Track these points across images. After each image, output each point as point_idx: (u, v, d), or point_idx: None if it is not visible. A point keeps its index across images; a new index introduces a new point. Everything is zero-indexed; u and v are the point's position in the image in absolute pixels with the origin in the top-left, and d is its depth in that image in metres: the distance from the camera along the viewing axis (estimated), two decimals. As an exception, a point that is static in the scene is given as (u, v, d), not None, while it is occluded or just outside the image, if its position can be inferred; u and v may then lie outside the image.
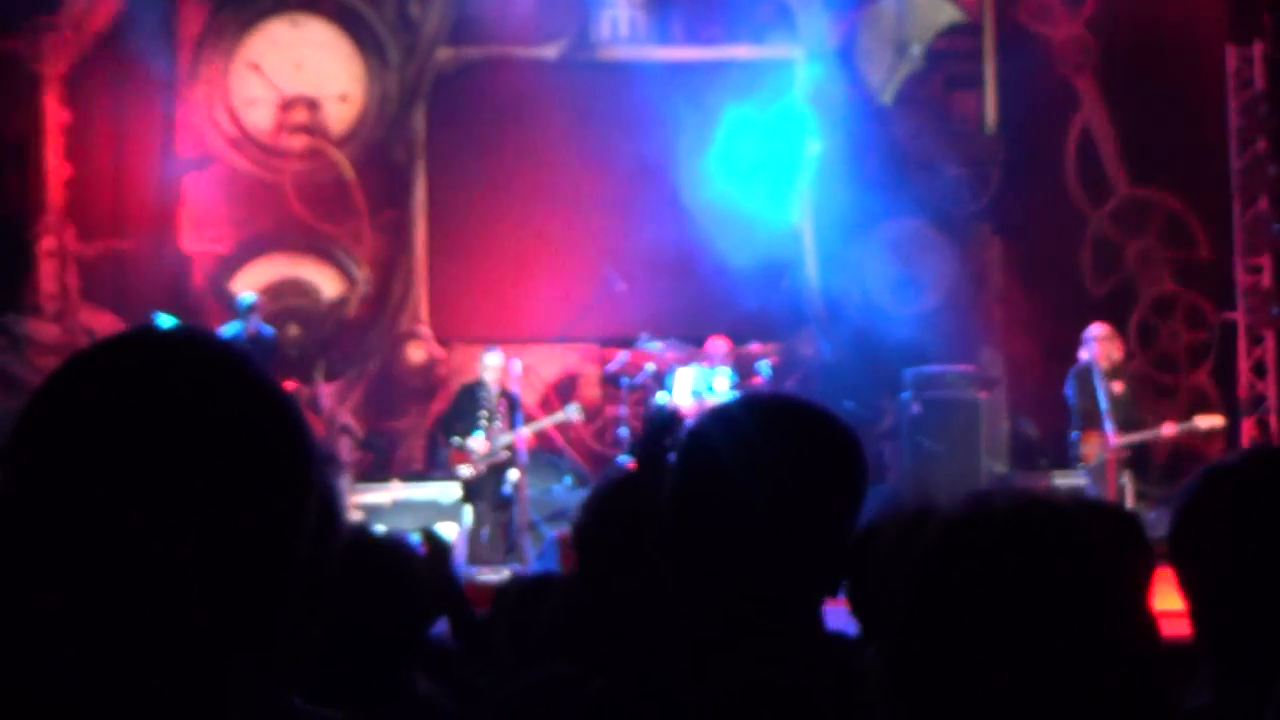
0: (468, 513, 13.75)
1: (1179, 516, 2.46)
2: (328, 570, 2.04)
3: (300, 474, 1.53)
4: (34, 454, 1.46)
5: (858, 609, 3.86)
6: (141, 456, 1.44)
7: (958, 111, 16.80)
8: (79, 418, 1.45)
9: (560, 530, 12.96)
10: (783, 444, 2.03)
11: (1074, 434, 13.10)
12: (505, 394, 13.97)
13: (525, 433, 13.78)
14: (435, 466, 15.00)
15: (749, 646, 1.98)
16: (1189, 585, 2.38)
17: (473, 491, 13.84)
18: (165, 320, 13.66)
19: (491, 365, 14.04)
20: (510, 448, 13.84)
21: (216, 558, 1.46)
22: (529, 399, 15.61)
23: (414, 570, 3.33)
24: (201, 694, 1.44)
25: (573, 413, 14.15)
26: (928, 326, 16.04)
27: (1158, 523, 12.85)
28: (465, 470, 13.75)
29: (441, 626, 5.25)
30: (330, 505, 2.06)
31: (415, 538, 7.13)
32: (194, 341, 1.53)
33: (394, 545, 3.36)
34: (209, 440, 1.46)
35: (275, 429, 1.52)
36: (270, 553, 1.49)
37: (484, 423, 13.83)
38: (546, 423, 14.05)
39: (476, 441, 13.76)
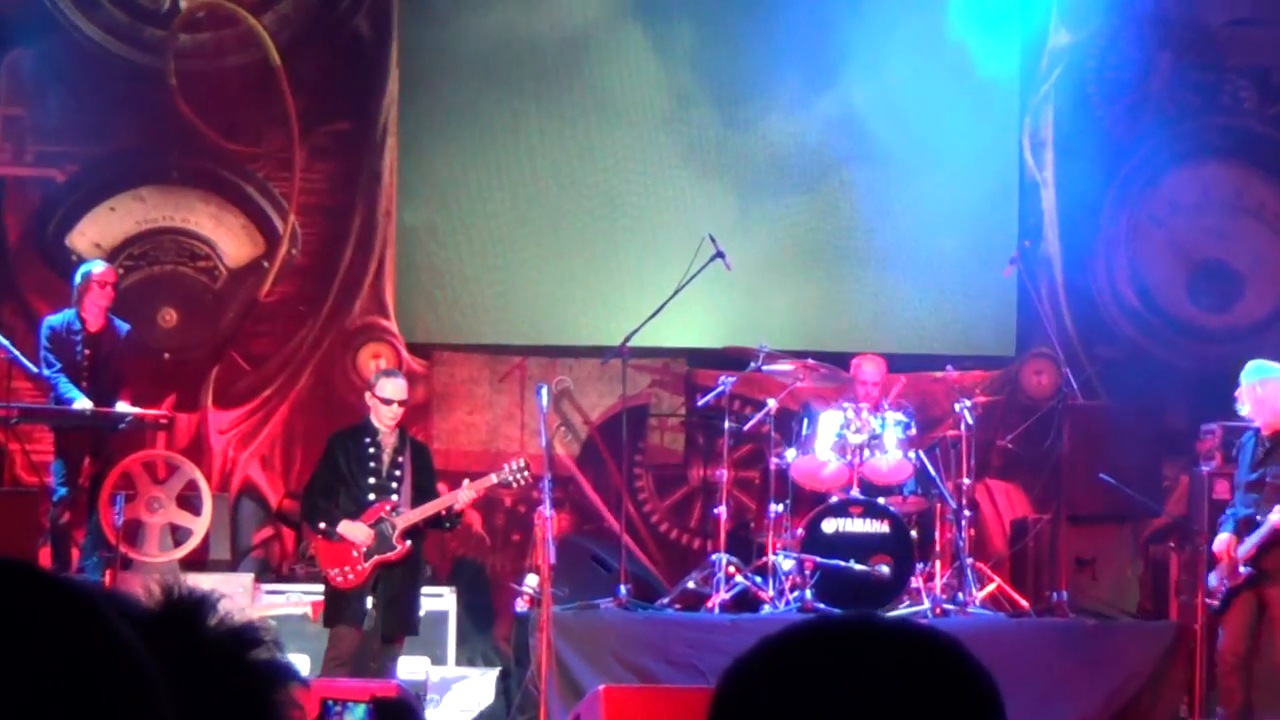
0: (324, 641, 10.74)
1: None
2: None
3: None
4: None
5: None
6: None
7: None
8: None
9: (608, 681, 10.64)
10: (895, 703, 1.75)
11: None
12: (411, 446, 11.05)
13: (400, 525, 10.64)
14: (297, 561, 12.65)
15: None
16: None
17: (345, 607, 10.52)
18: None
19: (391, 396, 10.87)
20: (434, 526, 11.01)
21: None
22: (563, 446, 13.59)
23: None
24: None
25: (497, 479, 10.79)
26: (1249, 349, 12.51)
27: None
28: (336, 573, 10.55)
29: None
30: None
31: (360, 710, 7.19)
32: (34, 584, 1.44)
33: None
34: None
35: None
36: None
37: (370, 495, 10.70)
38: (435, 507, 10.64)
39: (353, 529, 10.56)
